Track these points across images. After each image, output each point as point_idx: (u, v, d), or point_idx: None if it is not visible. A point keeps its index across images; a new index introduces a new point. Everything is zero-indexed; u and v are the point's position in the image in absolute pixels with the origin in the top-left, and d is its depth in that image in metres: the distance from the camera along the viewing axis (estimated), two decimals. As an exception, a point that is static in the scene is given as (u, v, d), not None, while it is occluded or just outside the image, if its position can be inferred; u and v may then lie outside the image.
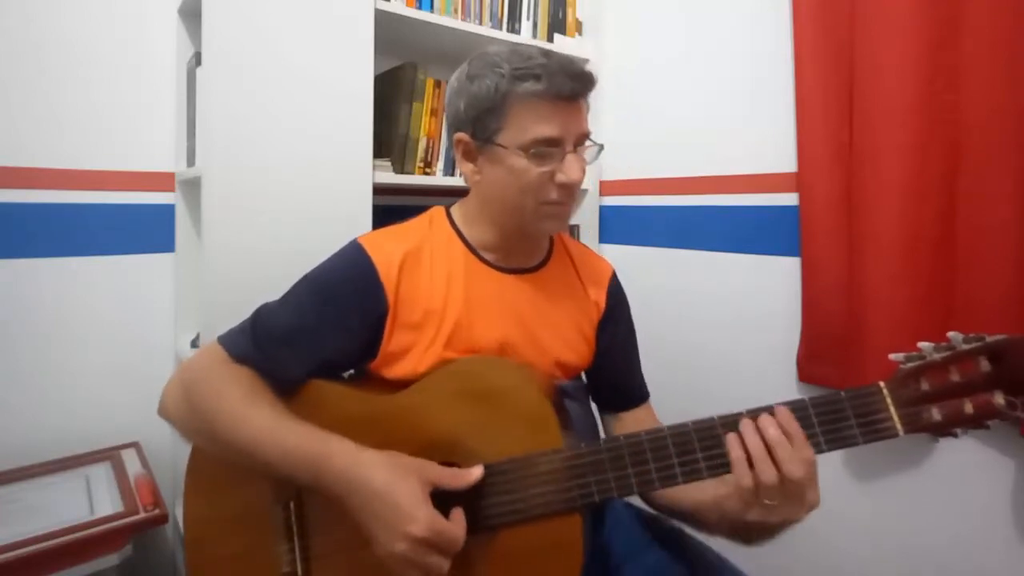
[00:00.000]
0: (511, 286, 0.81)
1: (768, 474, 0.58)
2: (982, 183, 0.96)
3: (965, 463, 1.02)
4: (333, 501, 0.62)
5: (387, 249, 0.77)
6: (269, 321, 0.74)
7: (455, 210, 0.85)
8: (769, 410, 0.61)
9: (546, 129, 0.71)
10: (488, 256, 0.82)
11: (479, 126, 0.74)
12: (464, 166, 0.79)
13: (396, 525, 0.58)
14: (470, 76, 0.75)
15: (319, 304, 0.75)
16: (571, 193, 0.76)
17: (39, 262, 1.17)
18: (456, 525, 0.60)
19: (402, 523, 0.58)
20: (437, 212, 0.85)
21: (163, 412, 0.74)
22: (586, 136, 0.75)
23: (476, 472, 0.64)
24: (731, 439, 0.61)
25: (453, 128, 0.79)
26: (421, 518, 0.58)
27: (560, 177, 0.73)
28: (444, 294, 0.77)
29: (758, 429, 0.60)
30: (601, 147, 0.78)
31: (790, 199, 1.22)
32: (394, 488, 0.59)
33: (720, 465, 0.62)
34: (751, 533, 0.64)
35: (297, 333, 0.73)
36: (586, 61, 0.70)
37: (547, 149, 0.72)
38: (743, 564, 0.77)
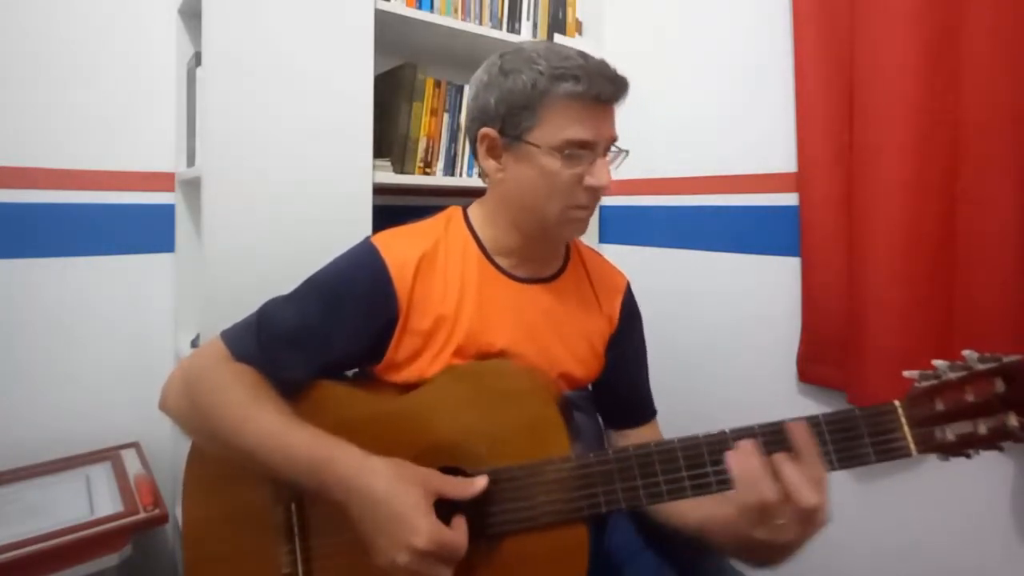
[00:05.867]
0: (524, 295, 0.80)
1: (770, 492, 0.54)
2: (982, 183, 0.96)
3: (965, 463, 1.01)
4: (335, 507, 0.61)
5: (402, 251, 0.75)
6: (274, 320, 0.73)
7: (473, 211, 0.83)
8: (781, 427, 0.58)
9: (581, 131, 0.70)
10: (503, 263, 0.80)
11: (510, 122, 0.72)
12: (487, 163, 0.77)
13: (398, 535, 0.57)
14: (504, 71, 0.72)
15: (327, 307, 0.73)
16: (597, 197, 0.75)
17: (39, 262, 1.17)
18: (458, 533, 0.59)
19: (404, 534, 0.56)
20: (454, 212, 0.83)
21: (164, 407, 0.74)
22: (614, 140, 0.75)
23: (480, 482, 0.63)
24: (730, 455, 0.58)
25: (479, 123, 0.76)
26: (423, 529, 0.56)
27: (589, 180, 0.72)
28: (457, 301, 0.75)
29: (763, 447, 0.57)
30: (626, 153, 0.76)
31: (790, 199, 1.22)
32: (396, 497, 0.58)
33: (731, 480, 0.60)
34: (760, 552, 0.59)
35: (302, 335, 0.72)
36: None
37: (579, 151, 0.71)
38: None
